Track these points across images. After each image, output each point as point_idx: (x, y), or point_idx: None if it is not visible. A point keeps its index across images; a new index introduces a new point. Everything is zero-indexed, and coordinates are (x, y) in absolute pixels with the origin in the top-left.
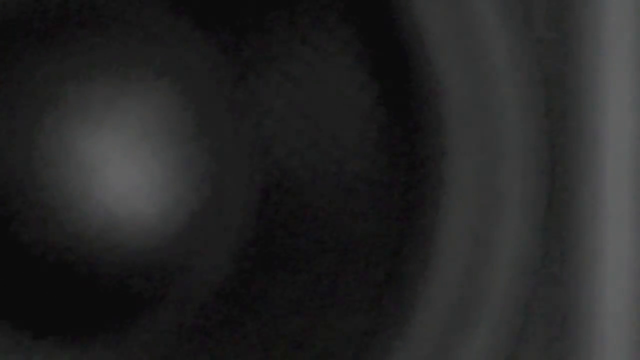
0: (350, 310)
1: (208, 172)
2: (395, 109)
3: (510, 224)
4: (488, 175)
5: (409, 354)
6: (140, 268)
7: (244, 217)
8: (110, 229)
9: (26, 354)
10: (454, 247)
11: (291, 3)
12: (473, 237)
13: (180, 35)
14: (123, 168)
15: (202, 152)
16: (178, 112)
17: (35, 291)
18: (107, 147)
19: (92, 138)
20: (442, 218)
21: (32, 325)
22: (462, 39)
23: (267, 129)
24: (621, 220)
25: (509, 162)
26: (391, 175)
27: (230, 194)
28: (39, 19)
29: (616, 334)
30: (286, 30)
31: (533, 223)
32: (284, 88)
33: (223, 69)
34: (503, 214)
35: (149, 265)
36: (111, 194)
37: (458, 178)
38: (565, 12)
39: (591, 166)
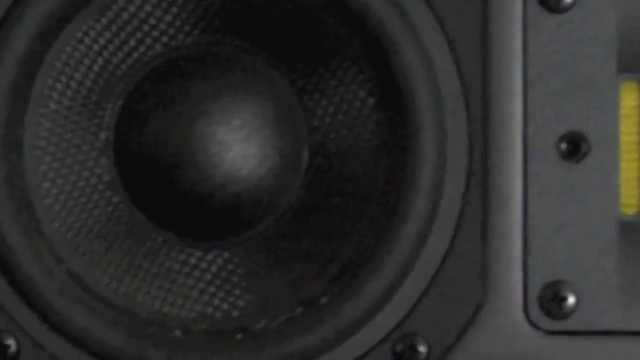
0: (358, 219)
1: (282, 145)
2: (389, 122)
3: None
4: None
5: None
6: (249, 197)
7: (301, 170)
8: (232, 174)
9: (183, 252)
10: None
11: (330, 55)
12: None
13: (264, 72)
14: (237, 143)
15: (279, 134)
16: (265, 113)
17: (189, 212)
18: (228, 132)
19: (220, 127)
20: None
21: (186, 235)
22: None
23: (312, 123)
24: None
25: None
26: (382, 151)
27: (294, 158)
28: (187, 61)
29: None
30: (325, 70)
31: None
32: (323, 103)
33: (288, 91)
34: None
35: (253, 196)
36: (231, 155)
37: (423, 160)
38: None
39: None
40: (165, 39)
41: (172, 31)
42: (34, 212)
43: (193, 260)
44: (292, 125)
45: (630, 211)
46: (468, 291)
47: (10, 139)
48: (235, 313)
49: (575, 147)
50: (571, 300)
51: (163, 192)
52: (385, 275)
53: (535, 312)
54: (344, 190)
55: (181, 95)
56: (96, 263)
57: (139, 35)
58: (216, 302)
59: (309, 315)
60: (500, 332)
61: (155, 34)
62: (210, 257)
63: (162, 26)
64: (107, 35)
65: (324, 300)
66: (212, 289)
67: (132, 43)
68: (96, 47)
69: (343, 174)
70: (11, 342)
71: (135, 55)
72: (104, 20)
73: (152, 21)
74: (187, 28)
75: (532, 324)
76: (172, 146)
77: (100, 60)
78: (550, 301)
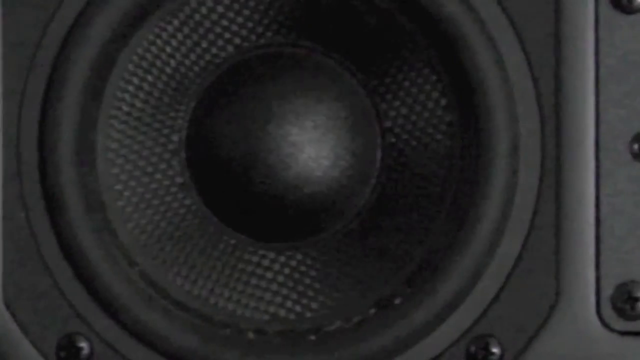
0: (431, 215)
1: (355, 146)
2: (462, 122)
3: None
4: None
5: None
6: (322, 198)
7: (373, 170)
8: (304, 175)
9: (256, 254)
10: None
11: (402, 55)
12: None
13: (337, 73)
14: (310, 144)
15: (351, 135)
16: (337, 114)
17: (261, 214)
18: (301, 133)
19: (293, 129)
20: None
21: (258, 236)
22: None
23: (385, 124)
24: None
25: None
26: (455, 152)
27: (366, 159)
28: (259, 62)
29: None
30: (398, 70)
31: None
32: (395, 103)
33: (360, 92)
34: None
35: (325, 197)
36: (304, 156)
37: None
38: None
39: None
40: (237, 41)
41: (244, 32)
42: (107, 214)
43: (266, 262)
44: (364, 126)
45: None
46: (541, 292)
47: (83, 141)
48: (308, 314)
49: None
50: None
51: (235, 194)
52: (458, 276)
53: (608, 312)
54: (417, 190)
55: (253, 96)
56: (169, 265)
57: (211, 36)
58: (289, 303)
59: (382, 316)
60: (572, 332)
61: (227, 35)
62: (283, 258)
63: (234, 27)
64: (179, 36)
65: (397, 301)
66: (285, 291)
67: (204, 44)
68: (168, 49)
69: (415, 175)
70: (84, 345)
71: (207, 56)
72: (176, 22)
73: (224, 22)
74: (259, 29)
75: (605, 324)
76: (245, 148)
77: (172, 62)
78: (623, 301)
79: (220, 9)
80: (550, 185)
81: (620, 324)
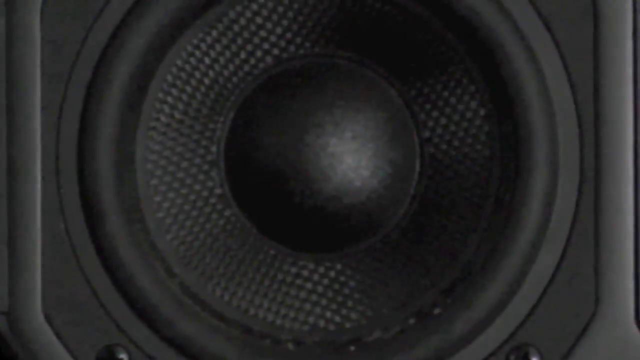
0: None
1: (394, 156)
2: (501, 132)
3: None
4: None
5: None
6: (361, 208)
7: (412, 181)
8: (343, 186)
9: (295, 264)
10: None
11: (441, 65)
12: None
13: (375, 84)
14: (349, 154)
15: (390, 146)
16: (376, 125)
17: (300, 224)
18: (340, 143)
19: (332, 139)
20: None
21: (298, 247)
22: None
23: (423, 134)
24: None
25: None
26: (494, 162)
27: (405, 170)
28: (298, 73)
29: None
30: (436, 81)
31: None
32: (434, 113)
33: (399, 102)
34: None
35: (364, 208)
36: (343, 167)
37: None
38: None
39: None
40: (275, 51)
41: (282, 43)
42: (146, 225)
43: (305, 272)
44: (403, 136)
45: None
46: (580, 301)
47: (122, 153)
48: (348, 325)
49: None
50: None
51: (274, 205)
52: (497, 285)
53: None
54: (456, 201)
55: (292, 107)
56: (208, 276)
57: (250, 47)
58: (328, 314)
59: (421, 326)
60: (612, 342)
61: (266, 46)
62: (322, 269)
63: (273, 38)
64: (218, 47)
65: (436, 311)
66: (324, 301)
67: (243, 55)
68: (207, 60)
69: (454, 185)
70: (123, 356)
71: (246, 67)
72: (214, 33)
73: (263, 33)
74: (297, 40)
75: None
76: (283, 158)
77: (211, 73)
78: None
79: (258, 20)
80: (589, 193)
81: None
